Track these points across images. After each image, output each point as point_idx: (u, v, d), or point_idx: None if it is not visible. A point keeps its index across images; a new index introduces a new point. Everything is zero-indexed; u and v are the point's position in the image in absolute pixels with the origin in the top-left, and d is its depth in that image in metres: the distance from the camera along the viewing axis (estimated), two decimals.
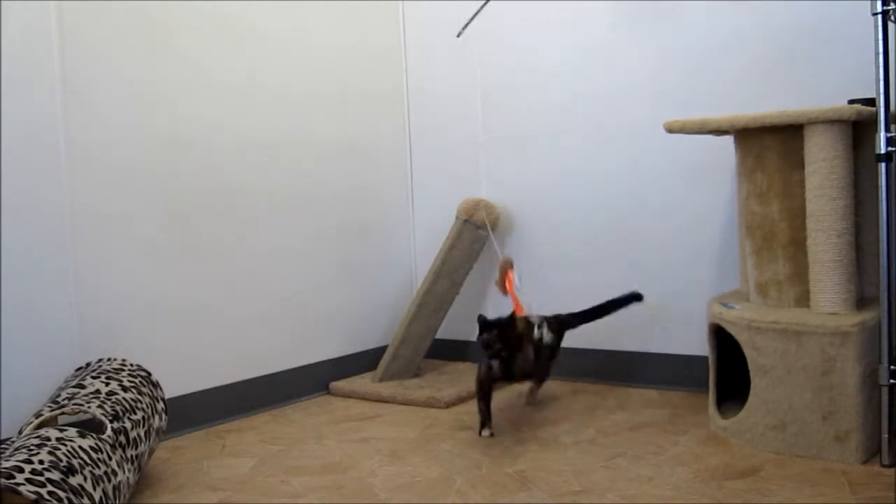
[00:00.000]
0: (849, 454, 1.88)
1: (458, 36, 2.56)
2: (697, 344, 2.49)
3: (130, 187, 2.25)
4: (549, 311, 2.89)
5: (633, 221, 2.69)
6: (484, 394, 2.24)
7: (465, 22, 2.56)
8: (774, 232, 2.08)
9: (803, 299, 2.04)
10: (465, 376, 2.79)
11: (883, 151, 1.83)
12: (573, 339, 2.82)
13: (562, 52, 2.79)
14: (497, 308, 2.79)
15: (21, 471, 1.44)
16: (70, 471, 1.51)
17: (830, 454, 1.90)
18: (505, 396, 2.61)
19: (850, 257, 1.96)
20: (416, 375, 2.84)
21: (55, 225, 2.09)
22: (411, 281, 3.17)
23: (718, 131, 2.20)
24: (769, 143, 2.07)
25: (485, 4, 2.56)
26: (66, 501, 1.44)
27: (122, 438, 1.77)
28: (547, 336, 2.38)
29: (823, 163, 1.94)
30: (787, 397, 1.94)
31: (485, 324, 2.17)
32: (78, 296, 2.13)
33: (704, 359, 2.25)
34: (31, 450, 1.52)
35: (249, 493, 1.87)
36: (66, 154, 2.11)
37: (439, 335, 2.94)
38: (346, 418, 2.47)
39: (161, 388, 2.07)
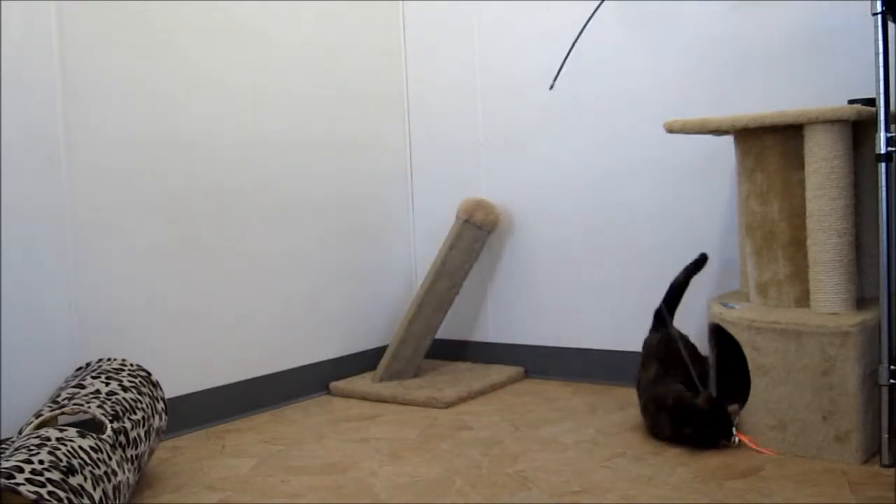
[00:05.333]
0: (849, 454, 1.88)
1: (551, 88, 2.55)
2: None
3: (130, 187, 2.25)
4: (547, 312, 2.90)
5: (632, 221, 2.69)
6: None
7: (556, 72, 2.54)
8: (774, 232, 2.08)
9: (803, 299, 2.04)
10: (464, 376, 2.79)
11: (883, 151, 1.83)
12: (572, 338, 2.82)
13: (561, 52, 2.79)
14: (500, 309, 2.78)
15: (21, 471, 1.44)
16: (70, 471, 1.51)
17: (830, 454, 1.90)
18: (505, 397, 2.61)
19: (850, 257, 1.96)
20: (416, 375, 2.84)
21: (55, 225, 2.09)
22: (411, 281, 3.17)
23: (718, 131, 2.20)
24: (769, 143, 2.07)
25: (571, 49, 2.54)
26: (66, 501, 1.44)
27: (122, 438, 1.77)
28: None
29: (823, 163, 1.94)
30: (787, 397, 1.94)
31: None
32: (78, 296, 2.13)
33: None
34: (31, 450, 1.52)
35: (249, 493, 1.87)
36: (66, 154, 2.11)
37: (439, 335, 2.94)
38: (346, 418, 2.47)
39: (161, 388, 2.07)
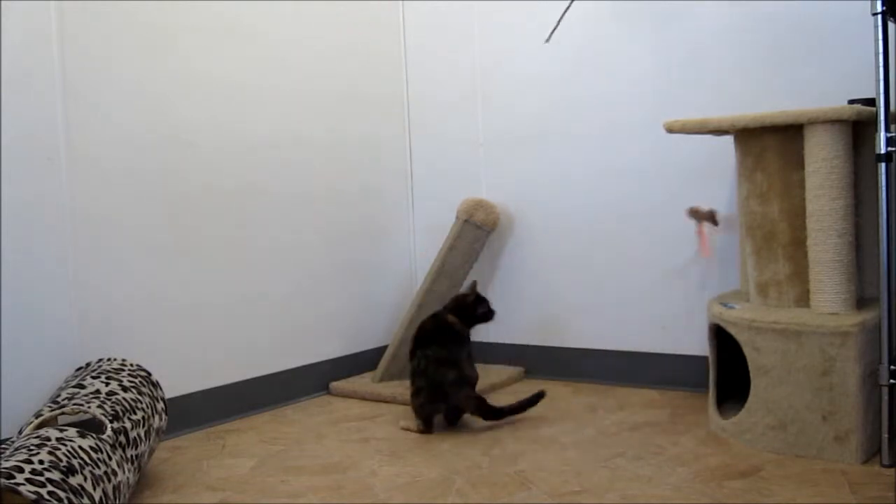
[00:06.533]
0: (849, 454, 1.88)
1: (547, 41, 2.56)
2: (697, 344, 2.49)
3: (130, 187, 2.25)
4: (547, 312, 2.90)
5: (632, 221, 2.69)
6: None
7: (552, 28, 2.54)
8: (774, 232, 2.08)
9: (803, 299, 2.04)
10: None
11: (883, 151, 1.83)
12: (572, 338, 2.83)
13: (562, 52, 2.79)
14: (500, 309, 2.79)
15: (21, 471, 1.44)
16: (70, 471, 1.51)
17: (830, 454, 1.90)
18: (505, 397, 2.61)
19: (850, 257, 1.96)
20: None
21: (55, 225, 2.09)
22: (411, 281, 3.17)
23: (718, 131, 2.20)
24: (769, 143, 2.07)
25: (569, 7, 2.54)
26: (66, 501, 1.44)
27: (122, 438, 1.77)
28: None
29: (823, 163, 1.94)
30: (787, 397, 1.94)
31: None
32: (78, 296, 2.13)
33: (704, 359, 2.26)
34: (31, 450, 1.52)
35: (249, 493, 1.87)
36: (66, 154, 2.11)
37: None
38: (346, 418, 2.47)
39: (161, 388, 2.07)
